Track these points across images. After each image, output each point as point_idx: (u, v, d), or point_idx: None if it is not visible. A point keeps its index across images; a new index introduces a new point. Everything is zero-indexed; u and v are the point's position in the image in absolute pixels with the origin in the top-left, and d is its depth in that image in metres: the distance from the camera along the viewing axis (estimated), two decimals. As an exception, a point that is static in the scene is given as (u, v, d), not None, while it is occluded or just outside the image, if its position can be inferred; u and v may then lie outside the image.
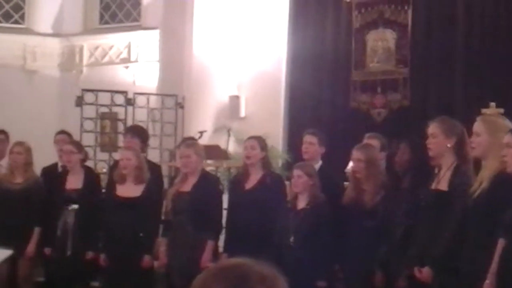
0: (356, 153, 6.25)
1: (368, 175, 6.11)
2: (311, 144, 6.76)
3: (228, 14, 11.42)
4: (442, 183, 5.22)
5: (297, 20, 11.16)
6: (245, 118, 11.30)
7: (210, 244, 6.38)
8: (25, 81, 13.82)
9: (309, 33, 11.06)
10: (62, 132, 8.09)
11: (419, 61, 10.25)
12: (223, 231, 6.72)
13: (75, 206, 6.91)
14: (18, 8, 14.17)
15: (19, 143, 7.32)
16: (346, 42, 10.84)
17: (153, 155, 9.77)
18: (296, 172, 6.23)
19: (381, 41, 10.57)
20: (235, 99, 11.42)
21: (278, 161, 10.19)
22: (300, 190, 6.19)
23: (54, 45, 14.06)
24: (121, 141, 10.66)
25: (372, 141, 6.87)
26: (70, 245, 6.87)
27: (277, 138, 10.63)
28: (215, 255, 6.42)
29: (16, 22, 14.17)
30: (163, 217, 7.10)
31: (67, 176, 7.10)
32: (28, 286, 7.33)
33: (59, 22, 14.07)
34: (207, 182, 6.61)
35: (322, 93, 11.00)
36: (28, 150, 7.24)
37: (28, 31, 14.08)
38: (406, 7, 10.36)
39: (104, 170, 10.19)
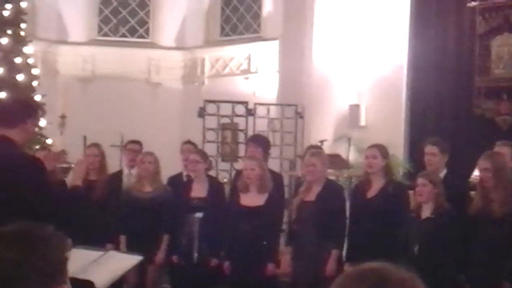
0: (483, 162, 6.10)
1: (496, 184, 5.94)
2: (433, 155, 6.64)
3: (347, 23, 11.39)
4: None
5: (418, 26, 11.00)
6: (366, 127, 11.22)
7: (334, 253, 6.38)
8: (150, 94, 14.27)
9: (431, 39, 10.87)
10: (188, 142, 8.28)
11: (547, 67, 9.89)
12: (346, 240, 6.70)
13: (200, 214, 7.05)
14: (143, 23, 14.67)
15: (149, 153, 7.55)
16: (469, 48, 10.59)
17: (273, 165, 9.85)
18: (421, 180, 6.14)
19: (507, 47, 10.26)
20: (355, 108, 11.36)
21: (400, 170, 10.06)
22: (425, 199, 6.10)
23: (177, 58, 14.46)
24: (241, 151, 10.82)
25: (503, 149, 6.67)
26: (195, 252, 7.01)
27: (398, 146, 10.48)
28: (339, 264, 6.40)
29: (141, 36, 14.68)
30: (284, 226, 7.16)
31: (192, 184, 7.26)
32: (155, 293, 7.52)
33: (181, 35, 14.47)
34: (331, 191, 6.61)
35: (444, 100, 10.80)
36: (157, 160, 7.45)
37: (152, 45, 14.55)
38: (532, 11, 10.03)
39: (225, 180, 10.35)
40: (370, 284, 1.57)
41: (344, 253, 6.60)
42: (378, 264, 1.64)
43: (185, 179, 7.61)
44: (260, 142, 7.61)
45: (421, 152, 6.89)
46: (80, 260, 4.65)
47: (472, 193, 6.47)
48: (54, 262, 1.89)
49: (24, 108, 4.49)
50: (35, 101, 8.79)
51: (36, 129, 5.30)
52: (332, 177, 9.10)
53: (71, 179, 4.58)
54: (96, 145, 7.69)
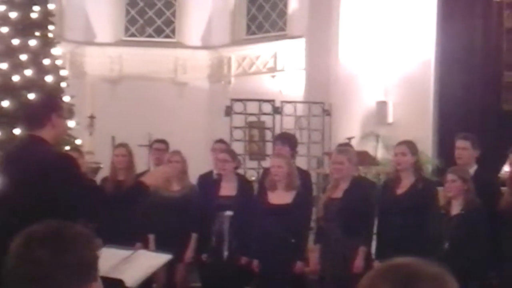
0: (513, 157, 6.05)
1: (527, 179, 5.89)
2: (465, 149, 6.60)
3: (373, 19, 11.35)
4: None
5: (445, 22, 10.92)
6: (393, 124, 11.17)
7: (362, 250, 6.37)
8: (176, 93, 14.33)
9: (458, 34, 10.79)
10: (220, 141, 8.31)
11: None
12: (374, 237, 6.68)
13: (230, 213, 7.06)
14: (169, 23, 14.74)
15: (177, 152, 7.57)
16: (497, 43, 10.50)
17: (300, 163, 9.84)
18: (450, 176, 6.10)
19: (535, 40, 10.17)
20: (382, 105, 11.31)
21: (428, 167, 9.99)
22: (454, 195, 6.06)
23: (203, 57, 14.51)
24: (269, 149, 10.83)
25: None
26: (225, 250, 7.03)
27: (426, 143, 10.41)
28: (368, 261, 6.38)
29: (167, 36, 14.75)
30: (312, 224, 7.14)
31: (221, 183, 7.28)
32: (184, 291, 7.55)
33: (207, 34, 14.51)
34: (359, 187, 6.59)
35: (472, 95, 10.71)
36: (184, 159, 7.48)
37: (179, 45, 14.61)
38: (561, 4, 9.91)
39: (253, 178, 10.35)
40: (400, 279, 1.57)
41: (373, 250, 6.58)
42: (407, 259, 1.64)
43: (215, 177, 7.61)
44: (287, 140, 7.60)
45: (451, 148, 6.84)
46: (110, 259, 4.68)
47: (503, 188, 6.41)
48: (85, 261, 1.91)
49: (46, 104, 4.53)
50: (56, 95, 8.84)
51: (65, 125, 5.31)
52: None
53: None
54: (124, 145, 7.73)
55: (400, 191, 6.46)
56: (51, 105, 4.51)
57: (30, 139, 4.43)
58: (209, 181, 7.55)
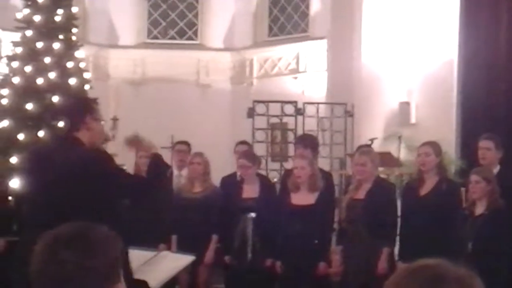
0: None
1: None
2: (488, 150, 6.58)
3: (396, 19, 11.30)
4: None
5: (468, 23, 10.85)
6: (416, 125, 11.11)
7: (385, 251, 6.35)
8: (199, 95, 14.36)
9: (481, 34, 10.71)
10: (243, 142, 8.31)
11: None
12: (397, 238, 6.66)
13: (253, 215, 7.07)
14: (192, 25, 14.78)
15: (198, 154, 7.60)
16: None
17: (323, 164, 9.81)
18: (474, 177, 6.07)
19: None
20: (405, 106, 11.26)
21: (452, 168, 9.93)
22: (478, 196, 6.03)
23: (226, 59, 14.52)
24: (291, 150, 10.81)
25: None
26: (249, 252, 7.03)
27: (450, 144, 10.35)
28: (391, 262, 6.36)
29: (189, 38, 14.79)
30: (335, 225, 7.13)
31: (243, 185, 7.28)
32: (207, 293, 7.56)
33: (230, 36, 14.54)
34: (381, 188, 6.58)
35: (496, 96, 10.63)
36: (206, 161, 7.50)
37: (201, 47, 14.64)
38: None
39: (275, 180, 10.34)
40: (427, 281, 1.56)
41: (397, 251, 6.56)
42: (433, 261, 1.63)
43: (238, 178, 7.61)
44: (308, 142, 7.57)
45: (474, 149, 6.81)
46: (134, 260, 4.71)
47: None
48: (109, 263, 1.91)
49: (80, 107, 4.54)
50: (88, 97, 8.86)
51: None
52: (383, 176, 9.05)
53: None
54: (147, 147, 7.75)
55: (423, 192, 6.45)
56: (85, 108, 4.51)
57: (64, 139, 4.44)
58: (232, 183, 7.55)
